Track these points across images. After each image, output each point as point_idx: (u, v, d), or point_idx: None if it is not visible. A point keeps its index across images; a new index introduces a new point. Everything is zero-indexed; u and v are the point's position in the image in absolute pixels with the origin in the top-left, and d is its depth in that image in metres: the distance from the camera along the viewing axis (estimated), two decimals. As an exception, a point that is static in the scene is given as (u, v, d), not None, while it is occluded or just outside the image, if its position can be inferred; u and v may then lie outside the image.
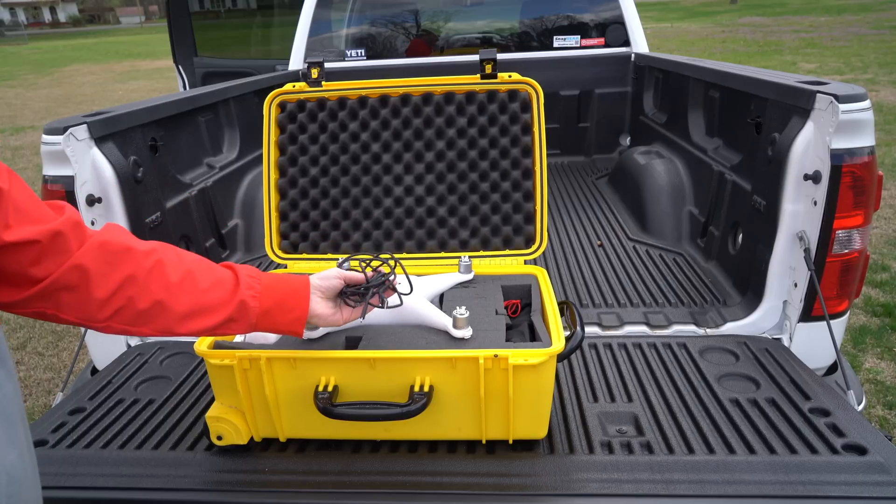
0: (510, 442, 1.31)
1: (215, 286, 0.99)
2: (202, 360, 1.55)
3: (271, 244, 1.82)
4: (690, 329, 1.79)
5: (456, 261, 1.67)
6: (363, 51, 3.81)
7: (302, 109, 1.81)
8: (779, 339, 1.74)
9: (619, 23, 3.67)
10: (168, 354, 1.78)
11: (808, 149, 1.60)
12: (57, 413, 1.52)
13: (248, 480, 1.27)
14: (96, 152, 1.76)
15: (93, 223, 1.77)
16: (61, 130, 1.66)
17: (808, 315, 1.69)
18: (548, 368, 1.23)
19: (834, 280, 1.65)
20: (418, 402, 1.20)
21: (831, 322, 1.62)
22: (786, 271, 1.72)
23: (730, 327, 1.78)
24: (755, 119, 1.93)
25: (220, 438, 1.31)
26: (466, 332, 1.30)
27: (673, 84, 2.98)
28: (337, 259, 1.69)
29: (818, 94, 1.55)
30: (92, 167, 1.76)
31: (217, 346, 1.31)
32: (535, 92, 1.71)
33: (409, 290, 1.27)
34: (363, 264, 1.25)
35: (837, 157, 1.51)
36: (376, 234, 1.83)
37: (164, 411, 1.51)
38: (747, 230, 1.95)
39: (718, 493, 1.17)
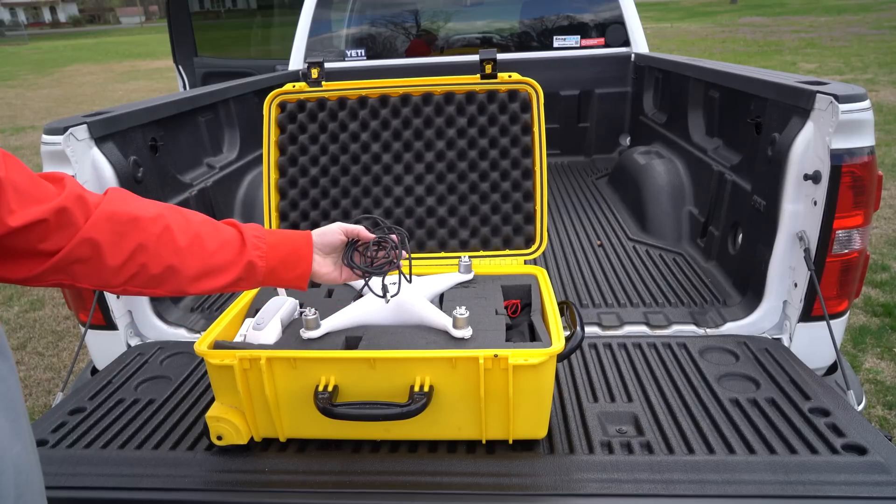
0: (510, 442, 1.31)
1: (223, 248, 1.02)
2: (202, 360, 1.56)
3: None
4: (690, 329, 1.79)
5: (456, 261, 1.67)
6: (363, 51, 3.81)
7: (302, 109, 1.81)
8: (779, 339, 1.74)
9: (619, 23, 3.67)
10: (168, 354, 1.79)
11: (807, 149, 1.60)
12: (57, 413, 1.52)
13: (248, 480, 1.27)
14: (96, 152, 1.76)
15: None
16: (61, 130, 1.66)
17: (808, 315, 1.69)
18: (548, 368, 1.23)
19: (834, 280, 1.65)
20: (418, 402, 1.20)
21: (831, 322, 1.62)
22: (786, 271, 1.72)
23: (730, 327, 1.78)
24: (755, 119, 1.93)
25: (220, 438, 1.31)
26: (466, 332, 1.30)
27: (673, 84, 2.98)
28: (337, 259, 1.69)
29: (818, 94, 1.55)
30: (92, 167, 1.76)
31: (217, 346, 1.31)
32: (535, 92, 1.71)
33: (408, 280, 1.27)
34: (371, 227, 1.25)
35: (837, 157, 1.51)
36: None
37: (164, 411, 1.51)
38: (747, 230, 1.95)
39: (718, 493, 1.17)
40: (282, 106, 1.81)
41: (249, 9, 5.91)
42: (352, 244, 1.22)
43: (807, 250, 1.63)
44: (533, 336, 1.40)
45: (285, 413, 1.30)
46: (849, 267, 1.64)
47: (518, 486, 1.21)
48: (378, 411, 1.22)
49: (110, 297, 1.82)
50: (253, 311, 1.50)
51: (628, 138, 3.79)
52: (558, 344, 1.24)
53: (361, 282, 1.25)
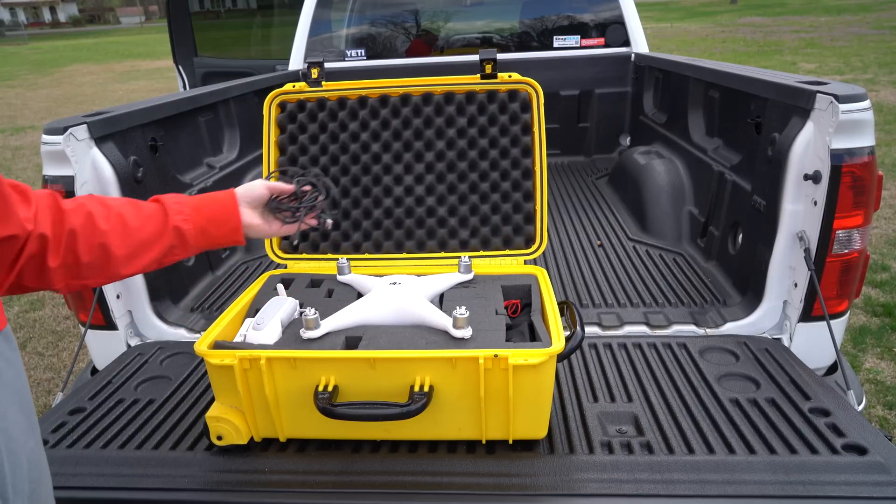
0: (510, 442, 1.31)
1: (147, 221, 1.05)
2: (202, 360, 1.55)
3: (271, 244, 1.82)
4: (690, 329, 1.79)
5: (456, 261, 1.67)
6: (363, 51, 3.81)
7: (302, 109, 1.81)
8: (779, 339, 1.74)
9: (619, 23, 3.67)
10: (168, 354, 1.79)
11: (808, 149, 1.60)
12: (57, 413, 1.52)
13: (248, 480, 1.27)
14: (96, 152, 1.76)
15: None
16: (61, 130, 1.66)
17: (808, 315, 1.69)
18: (548, 368, 1.23)
19: (834, 280, 1.65)
20: (418, 402, 1.20)
21: (831, 322, 1.62)
22: (786, 271, 1.72)
23: (730, 327, 1.78)
24: (755, 119, 1.93)
25: (220, 438, 1.31)
26: (466, 332, 1.30)
27: (673, 84, 2.98)
28: (337, 259, 1.69)
29: (818, 94, 1.55)
30: (92, 167, 1.76)
31: (217, 346, 1.31)
32: (535, 92, 1.71)
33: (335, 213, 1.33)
34: (294, 178, 1.32)
35: (837, 157, 1.51)
36: (376, 234, 1.83)
37: (164, 411, 1.51)
38: (747, 230, 1.95)
39: (718, 493, 1.17)
40: (282, 106, 1.81)
41: (249, 9, 5.91)
42: (275, 197, 1.28)
43: (807, 250, 1.63)
44: (533, 336, 1.40)
45: (285, 413, 1.30)
46: (849, 267, 1.64)
47: (518, 486, 1.21)
48: (378, 411, 1.22)
49: (110, 297, 1.82)
50: (253, 311, 1.50)
51: (628, 138, 3.79)
52: (558, 344, 1.24)
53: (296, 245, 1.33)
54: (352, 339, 1.35)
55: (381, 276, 1.63)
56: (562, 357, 1.27)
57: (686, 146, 2.65)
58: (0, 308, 0.67)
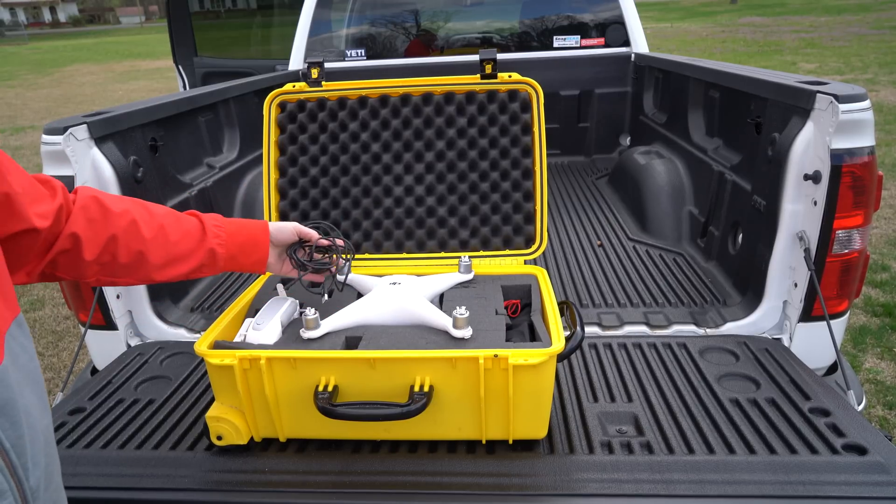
0: (510, 442, 1.31)
1: (185, 237, 1.14)
2: (202, 360, 1.55)
3: (271, 244, 1.82)
4: (690, 329, 1.79)
5: (456, 261, 1.67)
6: (363, 51, 3.81)
7: (302, 109, 1.81)
8: (779, 339, 1.74)
9: (619, 23, 3.67)
10: (168, 354, 1.79)
11: (808, 149, 1.60)
12: (57, 413, 1.52)
13: (248, 480, 1.27)
14: (96, 152, 1.76)
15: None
16: (61, 130, 1.66)
17: (808, 315, 1.69)
18: (548, 368, 1.23)
19: (834, 280, 1.65)
20: (418, 402, 1.20)
21: (831, 322, 1.62)
22: (786, 271, 1.72)
23: (730, 327, 1.78)
24: (755, 119, 1.93)
25: (220, 438, 1.31)
26: (466, 332, 1.30)
27: (673, 84, 2.98)
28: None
29: (818, 94, 1.55)
30: (92, 167, 1.76)
31: (217, 346, 1.31)
32: (535, 92, 1.71)
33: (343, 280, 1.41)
34: (323, 233, 1.42)
35: (837, 157, 1.51)
36: (376, 234, 1.83)
37: (164, 411, 1.51)
38: (747, 230, 1.95)
39: (718, 493, 1.17)
40: (282, 106, 1.81)
41: (249, 9, 5.91)
42: (300, 242, 1.36)
43: (807, 250, 1.63)
44: (533, 336, 1.40)
45: (285, 413, 1.30)
46: (849, 267, 1.64)
47: (518, 486, 1.21)
48: (378, 411, 1.22)
49: (110, 297, 1.82)
50: (253, 311, 1.50)
51: (628, 138, 3.79)
52: (558, 344, 1.24)
53: (306, 284, 1.41)
54: (352, 339, 1.35)
55: (381, 276, 1.63)
56: (562, 357, 1.27)
57: (686, 146, 2.65)
58: (14, 296, 0.71)
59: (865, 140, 1.52)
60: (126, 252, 1.05)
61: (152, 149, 2.05)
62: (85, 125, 1.74)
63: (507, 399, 1.23)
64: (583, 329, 1.33)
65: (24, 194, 0.86)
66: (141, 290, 1.88)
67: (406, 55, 3.87)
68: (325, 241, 1.38)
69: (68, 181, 1.70)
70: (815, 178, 1.57)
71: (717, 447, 1.28)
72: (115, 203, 1.05)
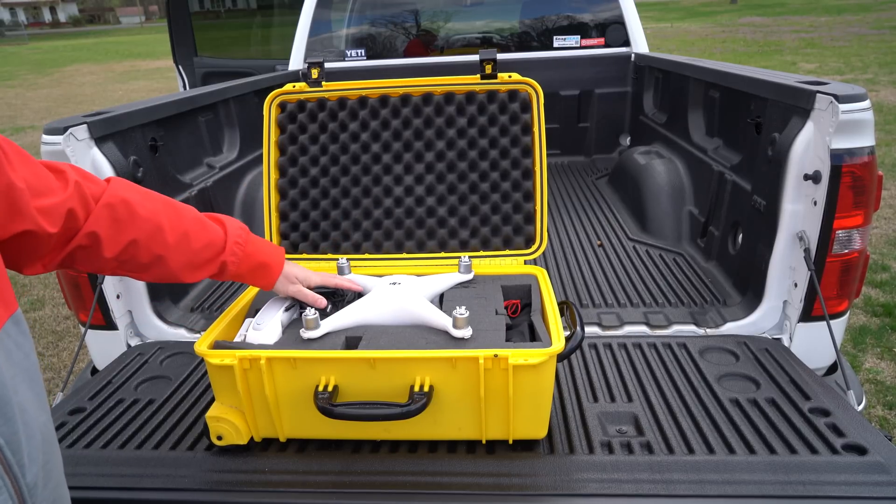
0: (510, 442, 1.31)
1: (207, 247, 1.19)
2: (202, 360, 1.55)
3: (271, 244, 1.82)
4: (690, 329, 1.79)
5: (456, 261, 1.67)
6: (363, 51, 3.81)
7: (302, 109, 1.81)
8: (779, 339, 1.74)
9: (619, 23, 3.67)
10: (168, 354, 1.79)
11: (808, 149, 1.60)
12: (57, 413, 1.52)
13: (248, 480, 1.27)
14: (96, 152, 1.76)
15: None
16: (61, 130, 1.66)
17: (808, 315, 1.69)
18: (548, 368, 1.23)
19: (834, 280, 1.65)
20: (418, 402, 1.20)
21: (831, 322, 1.62)
22: (786, 271, 1.72)
23: (730, 327, 1.78)
24: (755, 119, 1.93)
25: (220, 438, 1.31)
26: (466, 332, 1.30)
27: (673, 84, 2.98)
28: (337, 259, 1.69)
29: (818, 94, 1.55)
30: (92, 167, 1.76)
31: (217, 346, 1.31)
32: (535, 92, 1.71)
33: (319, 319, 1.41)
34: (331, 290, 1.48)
35: (837, 157, 1.51)
36: (376, 234, 1.83)
37: (164, 411, 1.51)
38: (747, 230, 1.95)
39: (718, 493, 1.17)
40: (282, 106, 1.81)
41: (249, 9, 5.92)
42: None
43: (807, 250, 1.63)
44: (533, 336, 1.40)
45: (285, 413, 1.30)
46: (849, 267, 1.64)
47: (518, 486, 1.21)
48: (378, 411, 1.22)
49: (110, 297, 1.82)
50: (253, 311, 1.50)
51: (628, 138, 3.79)
52: (558, 344, 1.24)
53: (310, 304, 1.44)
54: (352, 339, 1.35)
55: (381, 276, 1.63)
56: (562, 357, 1.27)
57: (686, 146, 2.65)
58: (11, 293, 0.71)
59: (865, 140, 1.52)
60: (147, 254, 1.09)
61: (152, 149, 2.05)
62: (85, 125, 1.74)
63: (507, 399, 1.23)
64: (583, 329, 1.33)
65: (27, 189, 0.85)
66: (141, 290, 1.88)
67: (406, 55, 3.87)
68: (322, 302, 1.43)
69: (68, 181, 1.70)
70: (815, 178, 1.57)
71: (717, 447, 1.28)
72: (143, 204, 1.07)
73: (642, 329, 1.81)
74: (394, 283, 1.51)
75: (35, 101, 14.35)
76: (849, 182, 1.52)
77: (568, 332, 1.32)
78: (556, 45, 3.76)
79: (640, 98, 3.54)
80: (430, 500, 1.21)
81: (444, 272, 1.66)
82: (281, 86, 1.82)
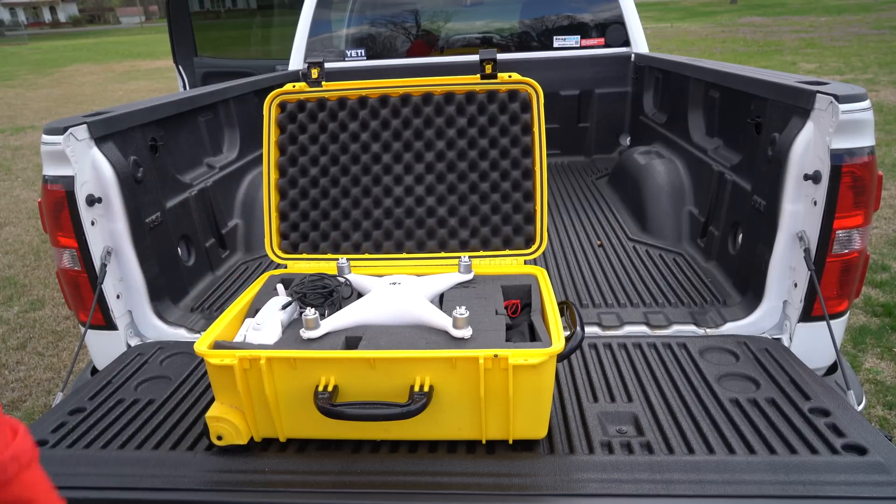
0: (510, 442, 1.31)
1: None
2: (202, 360, 1.56)
3: (271, 244, 1.82)
4: (690, 329, 1.79)
5: (456, 261, 1.67)
6: (363, 51, 3.81)
7: (302, 109, 1.81)
8: (779, 339, 1.74)
9: (619, 23, 3.67)
10: (168, 354, 1.78)
11: (808, 149, 1.60)
12: (57, 413, 1.52)
13: (248, 480, 1.27)
14: (96, 152, 1.76)
15: (93, 223, 1.77)
16: (61, 130, 1.66)
17: (808, 315, 1.69)
18: (548, 368, 1.23)
19: (834, 280, 1.64)
20: (418, 402, 1.20)
21: (831, 322, 1.62)
22: (786, 271, 1.72)
23: (730, 327, 1.78)
24: (755, 119, 1.93)
25: (220, 438, 1.31)
26: (466, 332, 1.30)
27: (673, 84, 2.98)
28: (337, 259, 1.69)
29: (818, 95, 1.55)
30: (92, 167, 1.76)
31: (217, 346, 1.31)
32: (535, 92, 1.71)
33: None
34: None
35: (837, 157, 1.51)
36: (376, 234, 1.83)
37: (164, 411, 1.51)
38: (747, 230, 1.95)
39: (718, 493, 1.17)
40: (282, 106, 1.81)
41: (249, 9, 5.91)
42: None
43: (807, 250, 1.63)
44: (533, 336, 1.40)
45: (285, 413, 1.30)
46: (849, 267, 1.64)
47: (518, 486, 1.21)
48: (378, 411, 1.22)
49: (110, 297, 1.82)
50: (253, 311, 1.50)
51: (628, 138, 3.79)
52: (558, 344, 1.24)
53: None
54: (352, 339, 1.35)
55: (381, 276, 1.63)
56: (562, 357, 1.27)
57: (686, 146, 2.65)
58: None
59: (865, 140, 1.52)
60: None
61: (152, 149, 2.05)
62: (85, 125, 1.73)
63: (507, 399, 1.23)
64: (583, 329, 1.33)
65: None
66: (141, 290, 1.88)
67: (406, 55, 3.87)
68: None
69: (68, 181, 1.70)
70: (815, 178, 1.57)
71: (717, 447, 1.28)
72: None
73: (642, 329, 1.81)
74: (394, 284, 1.51)
75: (35, 101, 14.35)
76: (849, 182, 1.52)
77: (568, 332, 1.32)
78: (556, 45, 3.76)
79: (640, 98, 3.54)
80: (430, 500, 1.21)
81: (444, 272, 1.66)
82: (281, 86, 1.82)
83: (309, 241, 1.84)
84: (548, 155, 3.91)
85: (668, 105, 3.09)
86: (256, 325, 1.38)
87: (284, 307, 1.45)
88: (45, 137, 1.68)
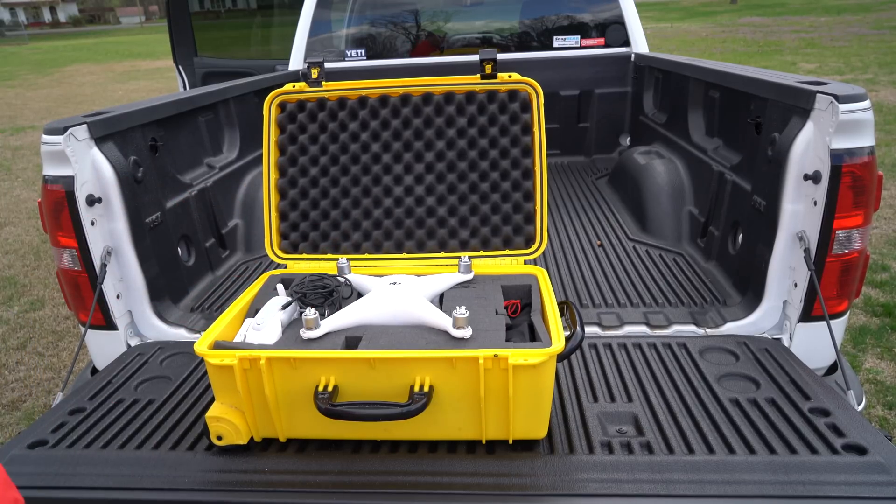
0: (510, 442, 1.31)
1: None
2: (202, 360, 1.55)
3: (271, 244, 1.82)
4: (690, 329, 1.79)
5: (456, 261, 1.67)
6: (363, 51, 3.81)
7: (302, 109, 1.81)
8: (779, 339, 1.74)
9: (619, 23, 3.67)
10: (168, 354, 1.78)
11: (808, 149, 1.60)
12: (57, 413, 1.52)
13: (248, 480, 1.27)
14: (96, 152, 1.76)
15: (93, 223, 1.77)
16: (61, 130, 1.66)
17: (808, 315, 1.69)
18: (548, 368, 1.23)
19: (834, 280, 1.64)
20: (418, 402, 1.20)
21: (831, 322, 1.62)
22: (786, 271, 1.72)
23: (730, 327, 1.78)
24: (755, 119, 1.93)
25: (220, 438, 1.31)
26: (466, 332, 1.30)
27: (673, 84, 2.98)
28: (337, 259, 1.69)
29: (818, 95, 1.55)
30: (92, 167, 1.76)
31: (217, 346, 1.31)
32: (535, 92, 1.71)
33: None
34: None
35: (837, 157, 1.51)
36: (376, 234, 1.83)
37: (164, 411, 1.51)
38: (747, 230, 1.95)
39: (718, 493, 1.17)
40: (282, 106, 1.81)
41: (249, 9, 5.91)
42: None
43: (807, 250, 1.63)
44: (533, 336, 1.40)
45: (285, 413, 1.30)
46: (849, 267, 1.64)
47: (518, 486, 1.21)
48: (378, 411, 1.22)
49: (110, 297, 1.82)
50: (253, 311, 1.50)
51: (628, 138, 3.79)
52: (558, 344, 1.24)
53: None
54: (352, 340, 1.35)
55: (381, 276, 1.63)
56: (562, 357, 1.27)
57: (686, 146, 2.65)
58: None
59: (865, 140, 1.52)
60: None
61: (152, 149, 2.05)
62: (85, 125, 1.74)
63: (507, 399, 1.23)
64: (583, 329, 1.33)
65: None
66: (141, 290, 1.88)
67: (406, 55, 3.87)
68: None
69: (68, 181, 1.70)
70: (815, 178, 1.57)
71: (717, 447, 1.28)
72: None
73: (642, 329, 1.81)
74: (394, 284, 1.51)
75: (35, 101, 14.35)
76: (849, 182, 1.52)
77: (568, 332, 1.32)
78: (556, 45, 3.76)
79: (640, 98, 3.54)
80: (430, 500, 1.21)
81: (444, 272, 1.66)
82: (281, 86, 1.82)
83: (309, 241, 1.84)
84: (548, 155, 3.91)
85: (668, 105, 3.09)
86: (256, 325, 1.38)
87: (284, 307, 1.45)
88: (45, 137, 1.68)
